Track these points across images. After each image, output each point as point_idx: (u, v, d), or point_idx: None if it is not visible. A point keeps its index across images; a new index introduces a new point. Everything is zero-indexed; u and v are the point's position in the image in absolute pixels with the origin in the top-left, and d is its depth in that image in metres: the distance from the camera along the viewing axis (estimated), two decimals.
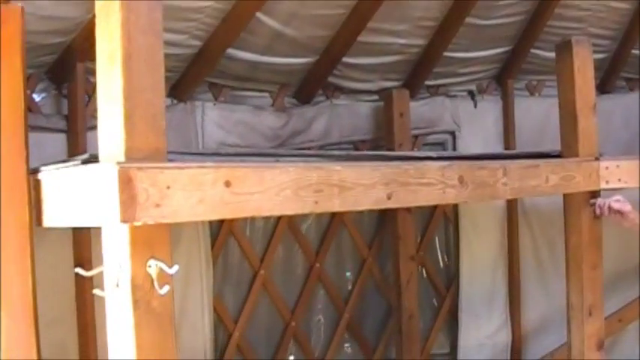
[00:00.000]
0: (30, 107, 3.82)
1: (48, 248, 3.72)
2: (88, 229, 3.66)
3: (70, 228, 3.89)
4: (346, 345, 5.62)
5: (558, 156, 4.25)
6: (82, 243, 4.05)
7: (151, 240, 2.38)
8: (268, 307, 5.27)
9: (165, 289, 2.34)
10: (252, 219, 5.11)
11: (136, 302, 2.28)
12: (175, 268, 2.40)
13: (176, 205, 2.41)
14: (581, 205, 4.14)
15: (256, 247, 5.18)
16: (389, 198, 3.17)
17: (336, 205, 3.05)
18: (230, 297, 5.13)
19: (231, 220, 4.91)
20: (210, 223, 4.84)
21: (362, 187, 3.08)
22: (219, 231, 4.96)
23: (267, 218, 5.15)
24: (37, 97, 4.23)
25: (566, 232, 4.27)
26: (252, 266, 5.13)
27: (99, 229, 2.49)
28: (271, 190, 2.75)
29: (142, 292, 2.30)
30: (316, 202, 2.92)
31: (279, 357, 5.27)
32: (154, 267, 2.31)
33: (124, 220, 2.28)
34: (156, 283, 2.34)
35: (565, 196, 4.25)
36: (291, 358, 5.40)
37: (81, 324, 4.15)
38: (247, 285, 5.14)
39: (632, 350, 6.03)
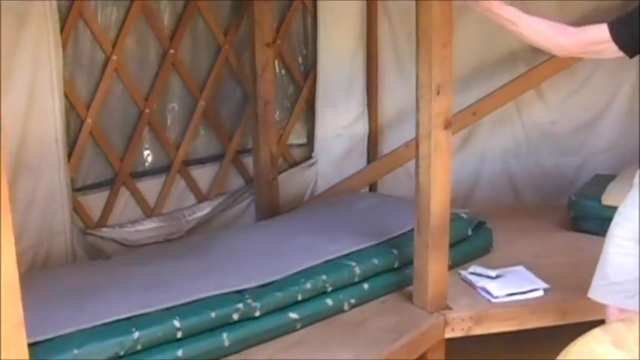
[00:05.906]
0: None
1: None
2: None
3: None
4: (202, 133, 5.60)
5: None
6: None
7: None
8: (122, 95, 5.15)
9: None
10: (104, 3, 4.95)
11: None
12: None
13: None
14: None
15: (109, 33, 5.01)
16: None
17: None
18: (82, 83, 4.97)
19: (81, 4, 4.76)
20: (59, 5, 4.64)
21: None
22: (69, 14, 4.76)
23: (118, 2, 5.00)
24: None
25: (417, 13, 4.14)
26: (104, 51, 4.98)
27: None
28: None
29: None
30: None
31: (134, 144, 5.22)
32: None
33: None
34: None
35: None
36: (147, 145, 5.37)
37: None
38: (100, 71, 4.99)
39: (485, 142, 6.23)
